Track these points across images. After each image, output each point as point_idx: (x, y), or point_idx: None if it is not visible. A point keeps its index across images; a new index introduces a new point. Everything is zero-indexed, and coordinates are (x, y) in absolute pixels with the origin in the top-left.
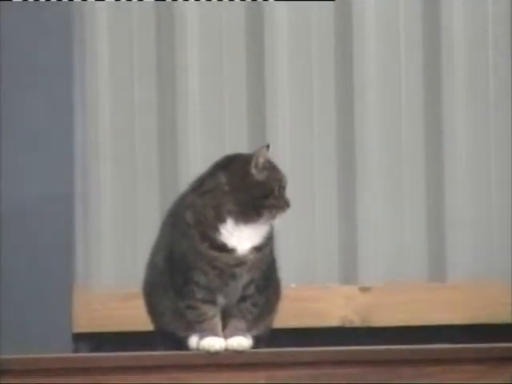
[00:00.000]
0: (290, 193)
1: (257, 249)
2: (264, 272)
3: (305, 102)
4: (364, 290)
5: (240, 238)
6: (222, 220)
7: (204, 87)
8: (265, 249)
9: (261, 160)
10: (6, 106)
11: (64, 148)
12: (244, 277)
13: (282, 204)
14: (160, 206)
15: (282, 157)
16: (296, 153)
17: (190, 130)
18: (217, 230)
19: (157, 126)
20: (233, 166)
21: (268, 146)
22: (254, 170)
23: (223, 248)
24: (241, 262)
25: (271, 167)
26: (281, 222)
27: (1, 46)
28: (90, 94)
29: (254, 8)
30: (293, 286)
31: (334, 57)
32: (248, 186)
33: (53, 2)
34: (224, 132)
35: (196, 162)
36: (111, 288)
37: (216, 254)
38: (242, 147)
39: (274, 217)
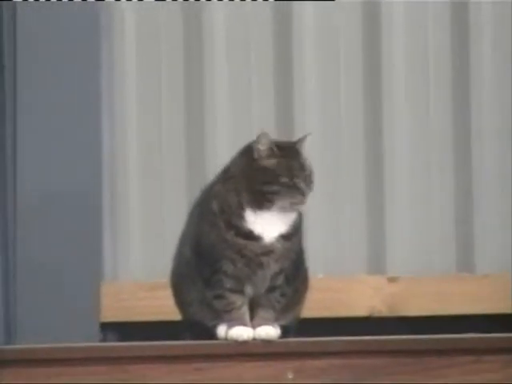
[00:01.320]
0: (318, 184)
1: (284, 237)
2: (293, 262)
3: (333, 95)
4: (392, 280)
5: (265, 225)
6: (243, 207)
7: (232, 86)
8: (294, 238)
9: (260, 147)
10: (36, 103)
11: (92, 142)
12: (272, 266)
13: (293, 192)
14: (187, 196)
15: (311, 148)
16: (324, 144)
17: (218, 122)
18: (241, 217)
19: (184, 120)
20: (246, 153)
21: (305, 136)
22: (256, 156)
23: (249, 236)
24: (268, 251)
25: (282, 155)
26: (309, 211)
27: (29, 46)
28: (118, 89)
29: (281, 7)
30: (320, 276)
31: (361, 56)
32: (254, 172)
33: (81, 2)
34: (251, 127)
35: (223, 154)
36: (139, 278)
37: (243, 241)
38: None
39: (289, 206)
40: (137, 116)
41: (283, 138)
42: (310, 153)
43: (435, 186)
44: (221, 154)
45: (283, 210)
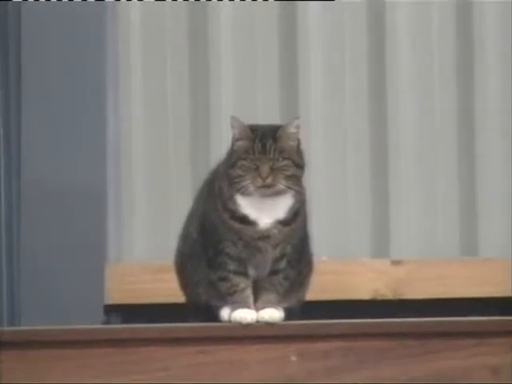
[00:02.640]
0: (322, 167)
1: (282, 223)
2: (295, 247)
3: (337, 78)
4: (396, 263)
5: (260, 210)
6: (233, 190)
7: (237, 83)
8: (293, 223)
9: (234, 129)
10: (42, 95)
11: (97, 129)
12: (270, 251)
13: (254, 176)
14: (192, 177)
15: (315, 135)
16: (329, 129)
17: (222, 108)
18: (233, 200)
19: (189, 111)
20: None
21: (292, 120)
22: (232, 139)
23: (244, 220)
24: (264, 236)
25: (251, 138)
26: (313, 195)
27: (35, 45)
28: (124, 80)
29: (287, 7)
30: (324, 258)
31: (366, 53)
32: (228, 155)
33: (86, 2)
34: (256, 114)
35: (228, 142)
36: (143, 260)
37: (238, 225)
38: None
39: (254, 190)
40: (142, 103)
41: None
42: (315, 139)
43: (439, 170)
44: (225, 137)
45: (261, 194)
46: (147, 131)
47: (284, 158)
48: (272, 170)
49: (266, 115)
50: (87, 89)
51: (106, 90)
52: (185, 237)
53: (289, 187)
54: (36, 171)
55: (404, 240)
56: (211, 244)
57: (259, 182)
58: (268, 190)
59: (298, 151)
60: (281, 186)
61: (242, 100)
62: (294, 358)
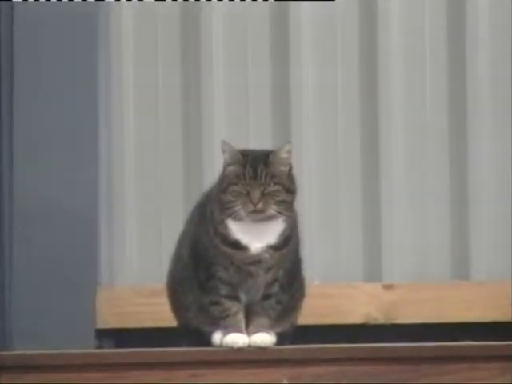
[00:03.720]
0: (314, 190)
1: (274, 248)
2: (288, 271)
3: (329, 100)
4: (388, 287)
5: (251, 235)
6: (224, 215)
7: (229, 89)
8: (285, 248)
9: (225, 154)
10: (33, 106)
11: (89, 148)
12: (262, 275)
13: (244, 201)
14: (184, 202)
15: (307, 155)
16: (320, 150)
17: (215, 129)
18: (224, 225)
19: (181, 123)
20: None
21: (283, 145)
22: (223, 164)
23: (235, 245)
24: (255, 261)
25: (242, 163)
26: (305, 218)
27: (26, 46)
28: (115, 94)
29: (279, 7)
30: (316, 282)
31: (358, 53)
32: (219, 180)
33: (78, 2)
34: (247, 128)
35: (220, 161)
36: (135, 284)
37: (229, 250)
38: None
39: (245, 215)
40: (134, 121)
41: (279, 140)
42: (306, 159)
43: (431, 194)
44: (218, 159)
45: (252, 219)
46: (139, 153)
47: (275, 184)
48: (263, 195)
49: (258, 120)
50: (79, 96)
51: (98, 96)
52: (176, 260)
53: (280, 212)
54: (27, 194)
55: (396, 263)
56: (203, 268)
57: (250, 207)
58: (259, 216)
59: (290, 176)
60: (272, 211)
61: (234, 105)
62: (285, 382)
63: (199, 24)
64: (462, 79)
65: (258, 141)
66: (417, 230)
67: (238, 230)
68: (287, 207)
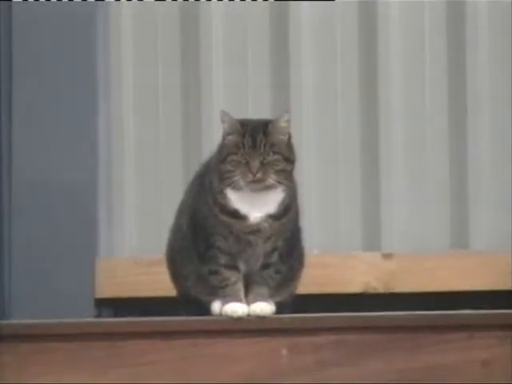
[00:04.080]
0: (314, 161)
1: (273, 217)
2: (287, 241)
3: (329, 83)
4: (387, 256)
5: (250, 204)
6: (223, 185)
7: (229, 89)
8: (284, 218)
9: (224, 124)
10: (33, 92)
11: (88, 121)
12: (261, 245)
13: (244, 171)
14: (182, 171)
15: (307, 129)
16: (320, 124)
17: (214, 111)
18: (223, 195)
19: (180, 108)
20: None
21: (282, 114)
22: (222, 134)
23: (234, 215)
24: (254, 230)
25: (241, 133)
26: (304, 188)
27: (25, 46)
28: (115, 78)
29: (279, 7)
30: (315, 252)
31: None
32: (218, 149)
33: (77, 2)
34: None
35: (219, 135)
36: (134, 255)
37: (228, 219)
38: None
39: (245, 185)
40: (133, 99)
41: None
42: (306, 133)
43: (430, 162)
44: (217, 131)
45: (252, 189)
46: (138, 126)
47: (274, 153)
48: (262, 164)
49: (257, 112)
50: (78, 87)
51: (97, 86)
52: (175, 230)
53: (279, 182)
54: (26, 167)
55: (395, 233)
56: (202, 238)
57: (249, 176)
58: (258, 185)
59: (289, 145)
60: (271, 180)
61: (233, 97)
62: (284, 352)
63: (199, 24)
64: (461, 76)
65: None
66: (416, 199)
67: (237, 200)
68: (286, 176)
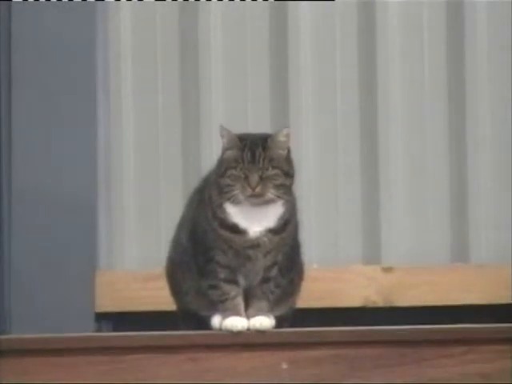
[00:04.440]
0: (313, 174)
1: (273, 232)
2: (287, 255)
3: (328, 87)
4: (387, 270)
5: (249, 219)
6: (222, 199)
7: (228, 89)
8: (284, 232)
9: (223, 138)
10: (31, 98)
11: (87, 133)
12: (260, 259)
13: (243, 185)
14: (182, 186)
15: (306, 138)
16: (319, 134)
17: (213, 122)
18: (222, 209)
19: (179, 110)
20: None
21: (281, 129)
22: (222, 148)
23: (234, 229)
24: (254, 245)
25: (240, 147)
26: (304, 202)
27: (25, 45)
28: (114, 83)
29: (278, 7)
30: (315, 266)
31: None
32: (217, 164)
33: (76, 2)
34: (246, 123)
35: (218, 148)
36: (134, 268)
37: (227, 234)
38: None
39: (244, 199)
40: (132, 108)
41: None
42: (305, 146)
43: (430, 176)
44: (216, 145)
45: (251, 203)
46: (138, 138)
47: (273, 167)
48: (261, 179)
49: (257, 121)
50: (77, 94)
51: (97, 94)
52: (175, 244)
53: (278, 196)
54: (26, 179)
55: (395, 247)
56: (201, 252)
57: (248, 191)
58: (257, 200)
59: (288, 160)
60: (270, 195)
61: (232, 95)
62: (285, 366)
63: (197, 24)
64: (460, 72)
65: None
66: (416, 212)
67: (236, 214)
68: (286, 191)
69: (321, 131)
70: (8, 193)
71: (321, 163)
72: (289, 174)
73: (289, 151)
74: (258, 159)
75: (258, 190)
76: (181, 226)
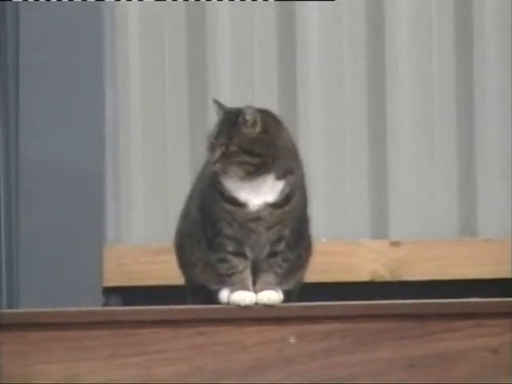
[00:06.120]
0: (320, 149)
1: (273, 206)
2: (294, 230)
3: (335, 67)
4: (394, 244)
5: (249, 192)
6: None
7: (235, 88)
8: (286, 207)
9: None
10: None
11: (95, 105)
12: (264, 233)
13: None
14: (190, 159)
15: (314, 112)
16: (327, 113)
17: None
18: (221, 182)
19: (187, 85)
20: None
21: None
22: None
23: (234, 202)
24: (255, 218)
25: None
26: (311, 176)
27: (32, 43)
28: (121, 63)
29: (285, 7)
30: (323, 240)
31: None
32: None
33: (84, 2)
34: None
35: None
36: (142, 242)
37: (230, 207)
38: None
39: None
40: (140, 84)
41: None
42: (314, 121)
43: (438, 150)
44: None
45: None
46: (146, 113)
47: (235, 144)
48: (223, 155)
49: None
50: (84, 67)
51: (105, 83)
52: (185, 216)
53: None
54: (34, 155)
55: (403, 221)
56: (210, 224)
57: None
58: (221, 173)
59: (260, 138)
60: (232, 173)
61: (240, 93)
62: (292, 340)
63: (205, 23)
64: (469, 66)
65: None
66: (424, 186)
67: (234, 188)
68: (249, 170)
69: (329, 109)
70: (15, 168)
71: (328, 137)
72: (253, 153)
73: (265, 130)
74: (222, 135)
75: (217, 166)
76: (191, 198)
